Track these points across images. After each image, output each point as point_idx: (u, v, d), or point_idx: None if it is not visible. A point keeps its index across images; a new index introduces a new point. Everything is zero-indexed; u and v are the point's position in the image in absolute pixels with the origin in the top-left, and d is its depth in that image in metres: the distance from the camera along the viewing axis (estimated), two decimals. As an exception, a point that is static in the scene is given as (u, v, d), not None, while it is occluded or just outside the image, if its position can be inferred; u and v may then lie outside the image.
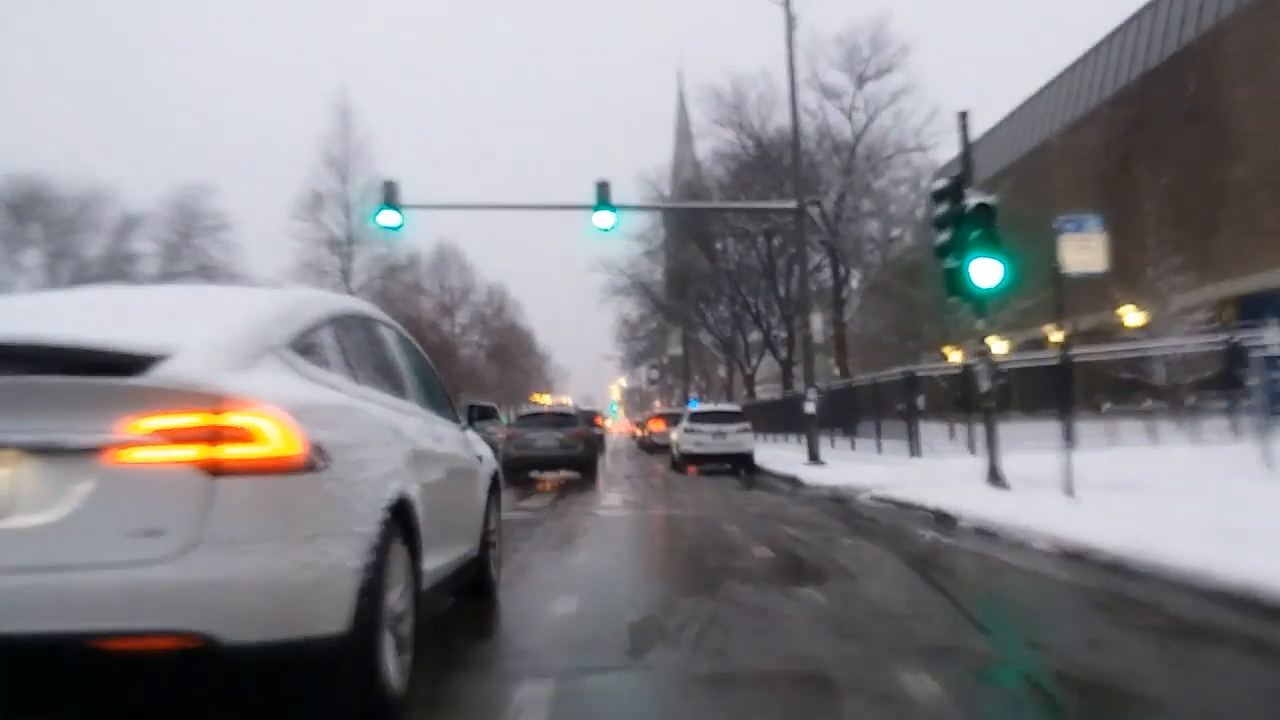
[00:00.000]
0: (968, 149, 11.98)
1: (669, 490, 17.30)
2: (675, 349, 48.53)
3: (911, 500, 11.81)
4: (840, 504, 13.42)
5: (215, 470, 2.66)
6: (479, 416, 6.62)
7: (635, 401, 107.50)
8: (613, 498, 15.60)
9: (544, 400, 60.68)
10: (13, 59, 51.55)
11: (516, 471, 18.78)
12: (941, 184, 11.93)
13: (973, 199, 11.17)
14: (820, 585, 6.47)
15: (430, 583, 4.05)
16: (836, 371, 54.52)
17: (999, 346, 25.58)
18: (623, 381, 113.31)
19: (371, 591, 3.08)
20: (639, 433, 50.02)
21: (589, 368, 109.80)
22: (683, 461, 22.43)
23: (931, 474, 15.57)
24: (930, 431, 21.11)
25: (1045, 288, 11.92)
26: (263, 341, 3.20)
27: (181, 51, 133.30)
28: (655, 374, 69.49)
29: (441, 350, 46.15)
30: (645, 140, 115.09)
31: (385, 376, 4.25)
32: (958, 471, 15.14)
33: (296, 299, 4.06)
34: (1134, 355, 19.19)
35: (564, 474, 20.23)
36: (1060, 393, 10.89)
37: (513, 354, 63.49)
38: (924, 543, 8.93)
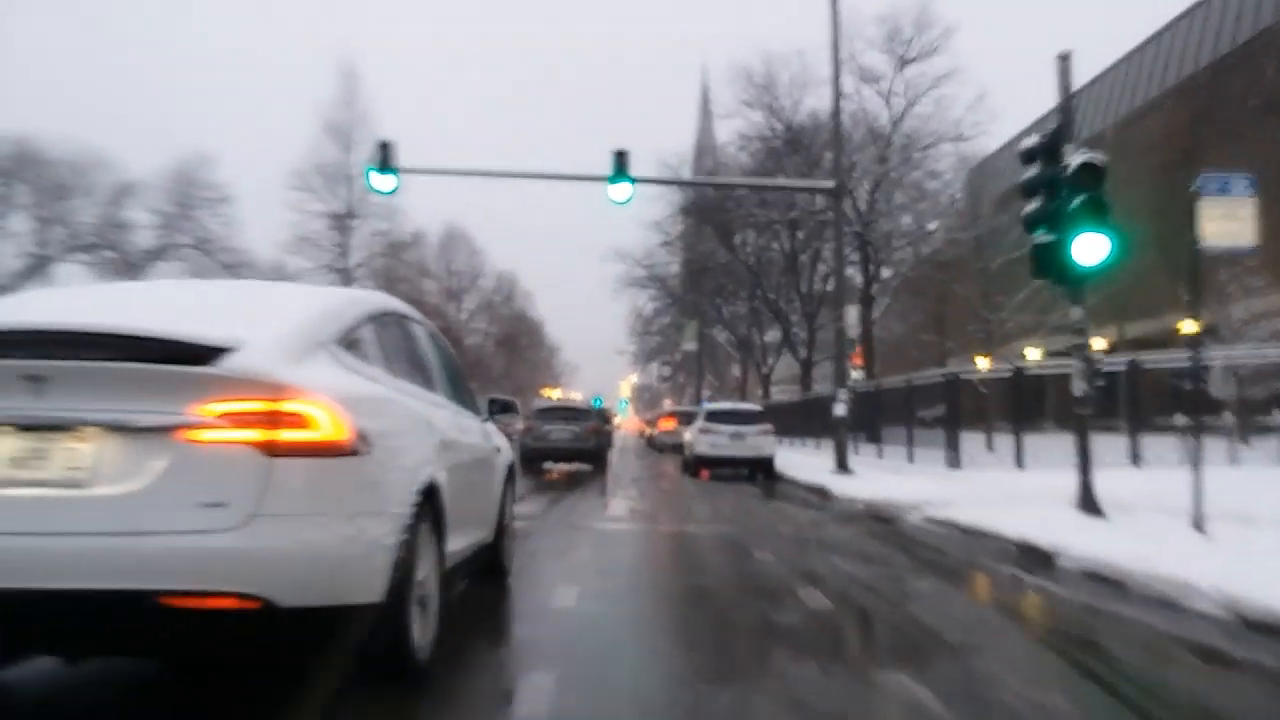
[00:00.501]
0: (1068, 99, 9.78)
1: (682, 497, 15.18)
2: (690, 344, 46.35)
3: (981, 526, 9.65)
4: (885, 524, 11.27)
5: (273, 451, 2.98)
6: (499, 410, 6.77)
7: (646, 399, 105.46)
8: (618, 505, 13.49)
9: (553, 394, 58.66)
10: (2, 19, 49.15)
11: (533, 461, 19.34)
12: (1032, 141, 9.73)
13: (1075, 158, 8.98)
14: (918, 671, 4.29)
15: (452, 563, 4.34)
16: (854, 374, 52.39)
17: (1033, 352, 23.46)
18: (634, 378, 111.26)
19: (404, 567, 3.42)
20: (648, 431, 47.92)
21: (600, 363, 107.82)
22: (695, 464, 20.30)
23: (982, 490, 13.45)
24: (965, 441, 18.93)
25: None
26: (315, 337, 3.51)
27: (180, 10, 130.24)
28: (667, 370, 67.22)
29: (446, 336, 44.46)
30: (666, 122, 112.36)
31: (417, 370, 4.56)
32: (1015, 489, 13.05)
33: (342, 298, 4.38)
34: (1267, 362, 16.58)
35: (576, 466, 20.84)
36: (1189, 401, 8.68)
37: (521, 345, 61.40)
38: (1025, 591, 6.79)
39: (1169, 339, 25.86)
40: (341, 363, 3.55)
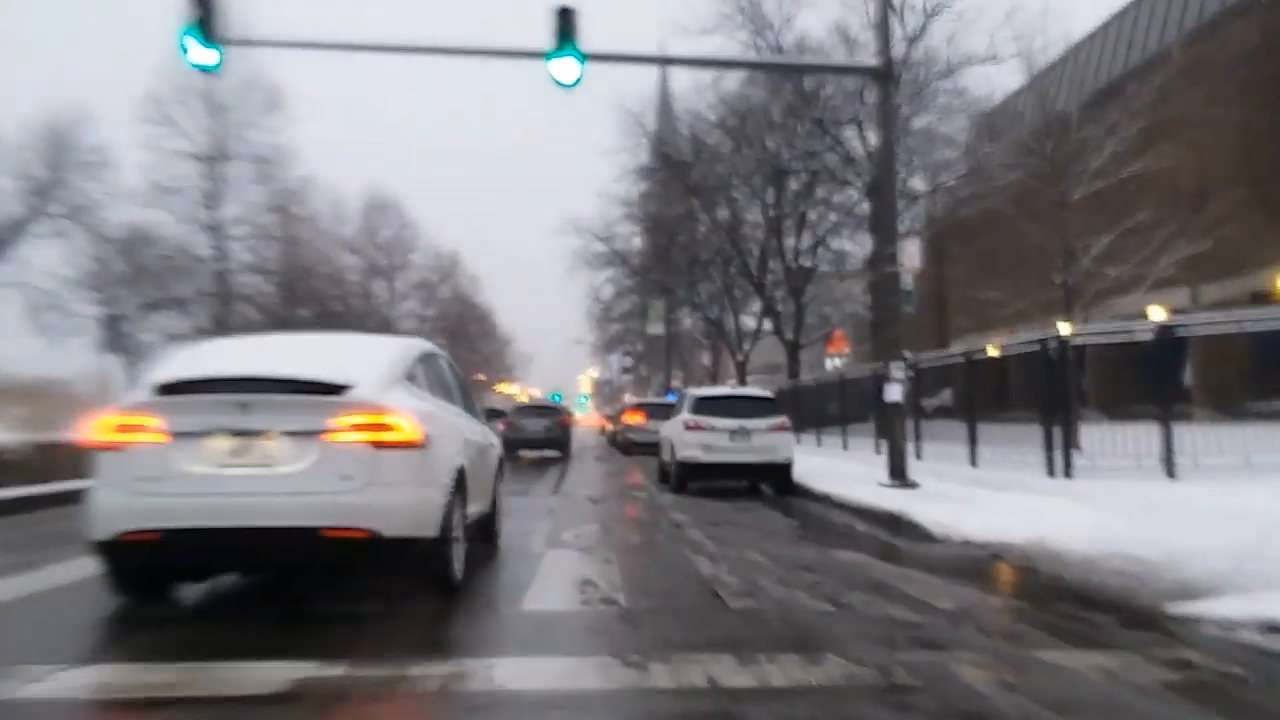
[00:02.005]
0: None
1: (671, 543, 8.87)
2: (655, 327, 40.04)
3: None
4: (1135, 628, 5.09)
5: (377, 446, 5.12)
6: (493, 416, 9.80)
7: (606, 394, 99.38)
8: (566, 565, 7.19)
9: (503, 390, 52.21)
10: None
11: (511, 449, 19.86)
12: None
13: None
14: None
15: (469, 521, 6.50)
16: (835, 361, 46.72)
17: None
18: (593, 372, 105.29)
19: (448, 517, 5.70)
20: (609, 427, 41.69)
21: (557, 357, 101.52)
22: (681, 474, 14.05)
23: (1193, 525, 7.43)
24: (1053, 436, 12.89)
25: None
26: (392, 375, 5.71)
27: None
28: (629, 361, 60.92)
29: (368, 319, 37.58)
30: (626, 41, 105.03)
31: (445, 391, 6.84)
32: (1232, 518, 7.13)
33: (403, 347, 6.51)
34: None
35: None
36: None
37: (469, 334, 54.76)
38: None
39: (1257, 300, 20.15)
40: (409, 390, 5.81)
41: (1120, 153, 16.00)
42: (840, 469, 15.18)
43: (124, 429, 5.08)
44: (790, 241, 32.54)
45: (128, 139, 28.52)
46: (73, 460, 10.75)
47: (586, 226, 39.83)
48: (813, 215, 32.47)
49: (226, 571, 5.99)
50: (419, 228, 44.75)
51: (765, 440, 13.66)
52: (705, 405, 14.08)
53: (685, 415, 14.17)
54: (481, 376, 57.11)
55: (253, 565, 5.83)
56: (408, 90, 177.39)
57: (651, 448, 26.36)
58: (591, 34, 11.86)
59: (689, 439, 13.81)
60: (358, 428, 5.10)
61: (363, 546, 5.04)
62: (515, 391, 65.22)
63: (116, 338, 37.29)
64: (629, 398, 37.98)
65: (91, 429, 5.21)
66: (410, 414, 5.37)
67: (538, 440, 24.79)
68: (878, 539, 9.15)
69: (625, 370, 63.83)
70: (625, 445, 28.02)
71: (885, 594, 6.04)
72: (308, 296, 32.37)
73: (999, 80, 24.64)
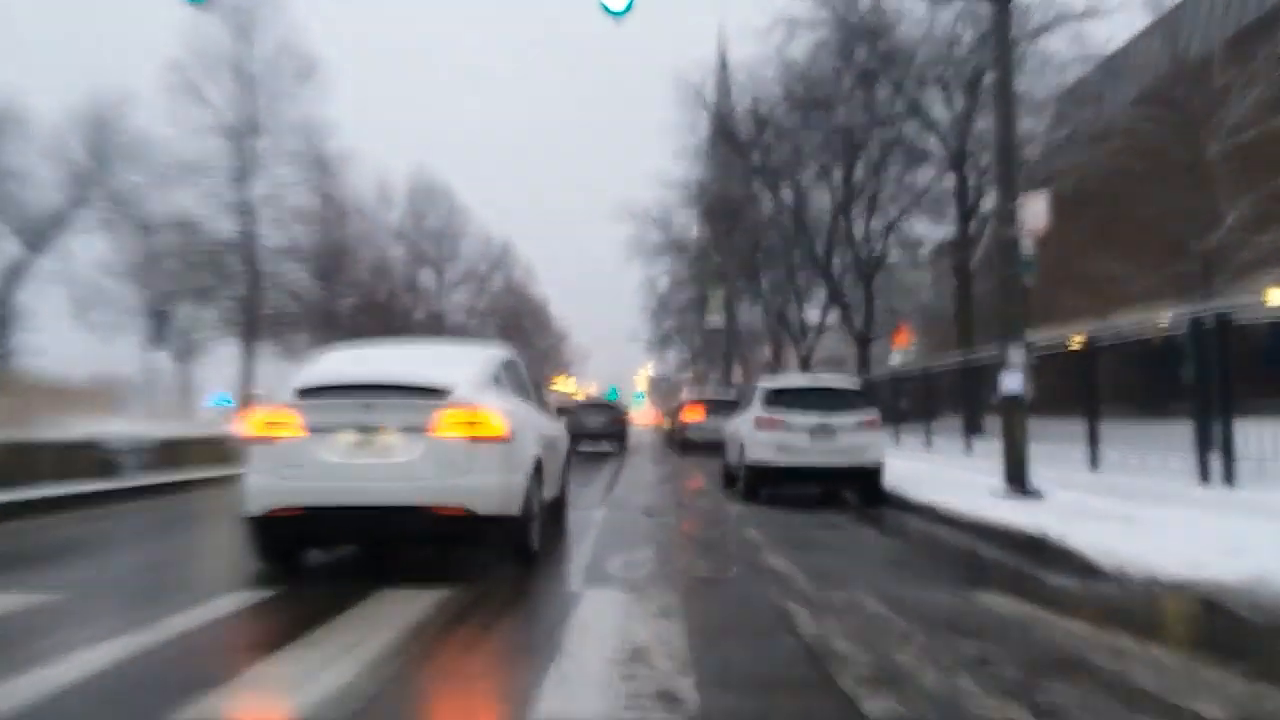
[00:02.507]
0: None
1: (750, 577, 6.71)
2: (715, 318, 37.77)
3: None
4: None
5: (474, 440, 6.06)
6: (561, 412, 10.85)
7: (663, 390, 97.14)
8: (608, 619, 5.11)
9: (560, 386, 50.48)
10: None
11: (574, 441, 20.17)
12: None
13: None
14: None
15: (545, 503, 7.52)
16: (897, 356, 44.12)
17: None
18: (649, 369, 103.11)
19: (529, 499, 6.59)
20: (666, 424, 39.66)
21: (613, 352, 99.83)
22: (752, 479, 11.89)
23: None
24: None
25: None
26: (484, 379, 6.69)
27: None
28: (686, 355, 58.65)
29: (414, 312, 35.78)
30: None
31: (523, 391, 7.81)
32: None
33: (491, 354, 7.48)
34: None
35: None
36: None
37: (523, 327, 53.02)
38: None
39: None
40: (496, 391, 6.76)
41: (1269, 100, 13.41)
42: (934, 472, 12.91)
43: (271, 425, 6.18)
44: (859, 225, 30.14)
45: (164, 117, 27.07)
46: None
47: (643, 212, 37.86)
48: (884, 196, 30.02)
49: (353, 542, 7.20)
50: (469, 214, 42.97)
51: (852, 439, 11.45)
52: (780, 399, 11.90)
53: (756, 410, 12.00)
54: (559, 380, 55.44)
55: (374, 537, 6.78)
56: (456, 77, 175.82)
57: (712, 447, 24.20)
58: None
59: (761, 439, 11.66)
60: (457, 424, 6.13)
61: (461, 522, 6.09)
62: (572, 388, 63.45)
63: (164, 331, 36.27)
64: (686, 393, 35.88)
65: (245, 425, 6.48)
66: (498, 412, 6.40)
67: (598, 434, 25.74)
68: (1023, 573, 6.90)
69: (684, 363, 61.51)
70: (683, 444, 25.90)
71: (1101, 684, 3.83)
72: (350, 284, 30.81)
73: (1120, 22, 21.76)
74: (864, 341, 30.66)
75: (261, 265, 25.52)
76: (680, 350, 65.28)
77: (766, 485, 11.82)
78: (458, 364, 6.80)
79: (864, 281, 30.60)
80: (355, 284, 31.48)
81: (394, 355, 7.49)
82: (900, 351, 54.02)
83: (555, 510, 8.69)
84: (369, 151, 50.79)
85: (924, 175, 27.00)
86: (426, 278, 39.64)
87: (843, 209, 29.72)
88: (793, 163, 29.95)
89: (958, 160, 21.33)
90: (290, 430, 6.07)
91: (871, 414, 11.70)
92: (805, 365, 38.39)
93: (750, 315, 44.54)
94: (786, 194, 30.68)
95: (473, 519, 6.03)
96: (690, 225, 41.29)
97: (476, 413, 6.16)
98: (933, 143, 23.62)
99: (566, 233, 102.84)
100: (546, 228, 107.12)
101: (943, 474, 12.61)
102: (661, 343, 62.83)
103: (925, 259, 37.51)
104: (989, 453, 13.93)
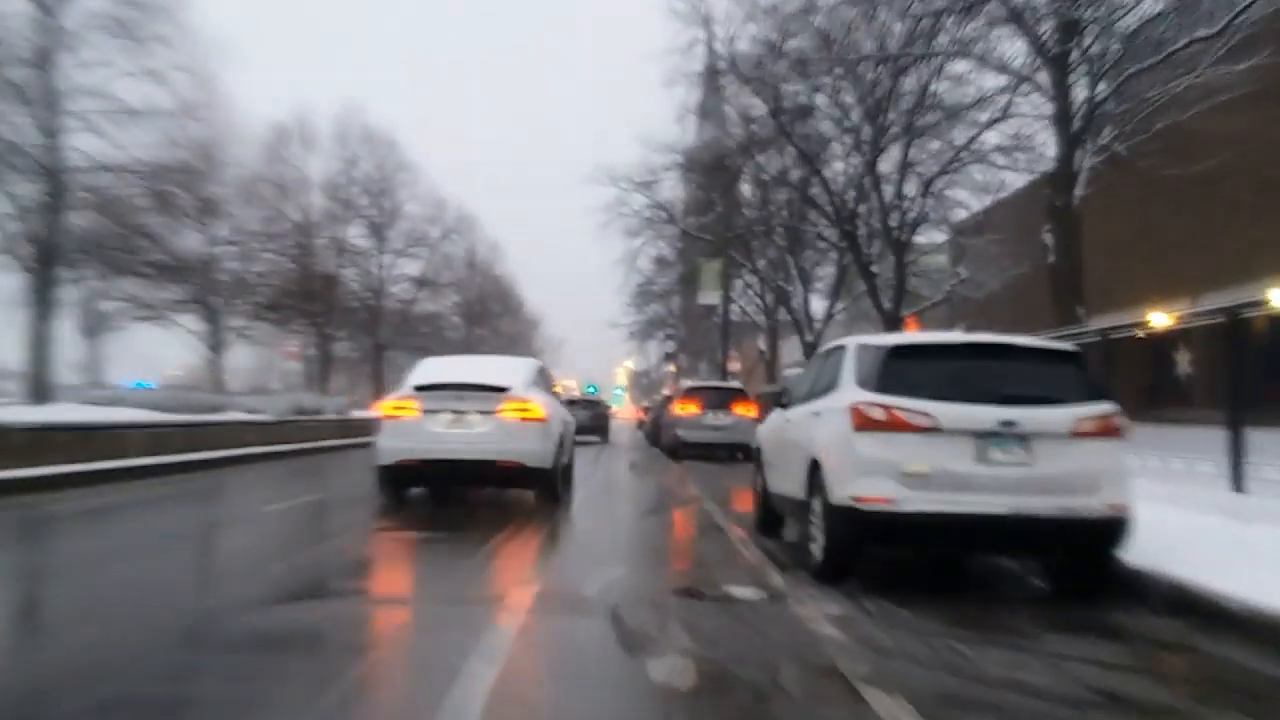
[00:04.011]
0: None
1: None
2: (709, 295, 31.55)
3: None
4: None
5: (524, 420, 9.48)
6: (567, 403, 13.28)
7: (643, 386, 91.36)
8: None
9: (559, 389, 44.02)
10: None
11: None
12: None
13: None
14: None
15: (563, 465, 10.57)
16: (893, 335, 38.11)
17: None
18: (629, 363, 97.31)
19: (557, 460, 9.97)
20: (648, 421, 33.49)
21: (590, 344, 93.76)
22: (843, 538, 5.58)
23: None
24: None
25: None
26: (529, 380, 10.08)
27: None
28: (671, 346, 52.40)
29: (337, 282, 29.30)
30: None
31: (549, 389, 11.01)
32: None
33: (531, 364, 11.33)
34: None
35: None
36: None
37: (489, 309, 46.56)
38: None
39: None
40: (536, 389, 9.99)
41: None
42: (1216, 528, 6.55)
43: (398, 408, 9.65)
44: (888, 187, 24.01)
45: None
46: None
47: (624, 176, 31.55)
48: (922, 156, 23.95)
49: (450, 483, 10.39)
50: (416, 171, 35.98)
51: (1066, 460, 5.22)
52: (912, 371, 5.58)
53: (852, 394, 5.69)
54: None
55: (462, 479, 10.02)
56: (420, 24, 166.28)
57: (712, 450, 17.92)
58: None
59: (866, 453, 5.38)
60: (514, 410, 9.51)
61: (516, 471, 9.49)
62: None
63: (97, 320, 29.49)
64: (674, 384, 29.86)
65: (380, 408, 10.26)
66: (539, 403, 9.81)
67: (584, 428, 24.52)
68: None
69: (667, 356, 55.20)
70: (673, 446, 19.59)
71: None
72: (234, 227, 24.39)
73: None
74: (894, 323, 24.48)
75: (68, 174, 18.25)
76: (662, 343, 59.42)
77: (872, 544, 5.58)
78: (511, 370, 10.46)
79: (895, 249, 24.47)
80: (241, 229, 25.15)
81: (471, 365, 11.33)
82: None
83: (566, 471, 11.22)
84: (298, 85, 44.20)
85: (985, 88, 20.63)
86: (359, 237, 32.96)
87: (869, 165, 23.54)
88: (804, 106, 23.71)
89: (1060, 56, 15.04)
90: (410, 412, 9.56)
91: (1102, 409, 5.43)
92: (811, 352, 32.35)
93: (743, 300, 38.50)
94: (801, 137, 24.30)
95: (522, 469, 9.49)
96: (678, 197, 35.05)
97: (526, 403, 9.63)
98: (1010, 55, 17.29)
99: (543, 218, 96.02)
100: (521, 211, 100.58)
101: (1240, 533, 6.28)
102: (643, 333, 56.93)
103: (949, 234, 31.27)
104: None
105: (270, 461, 16.82)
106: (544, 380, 10.91)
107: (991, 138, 22.67)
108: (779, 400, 7.89)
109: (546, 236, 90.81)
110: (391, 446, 9.43)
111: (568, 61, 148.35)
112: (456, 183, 78.65)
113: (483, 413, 9.38)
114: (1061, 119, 15.45)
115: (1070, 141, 15.29)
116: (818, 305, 33.27)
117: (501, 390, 9.50)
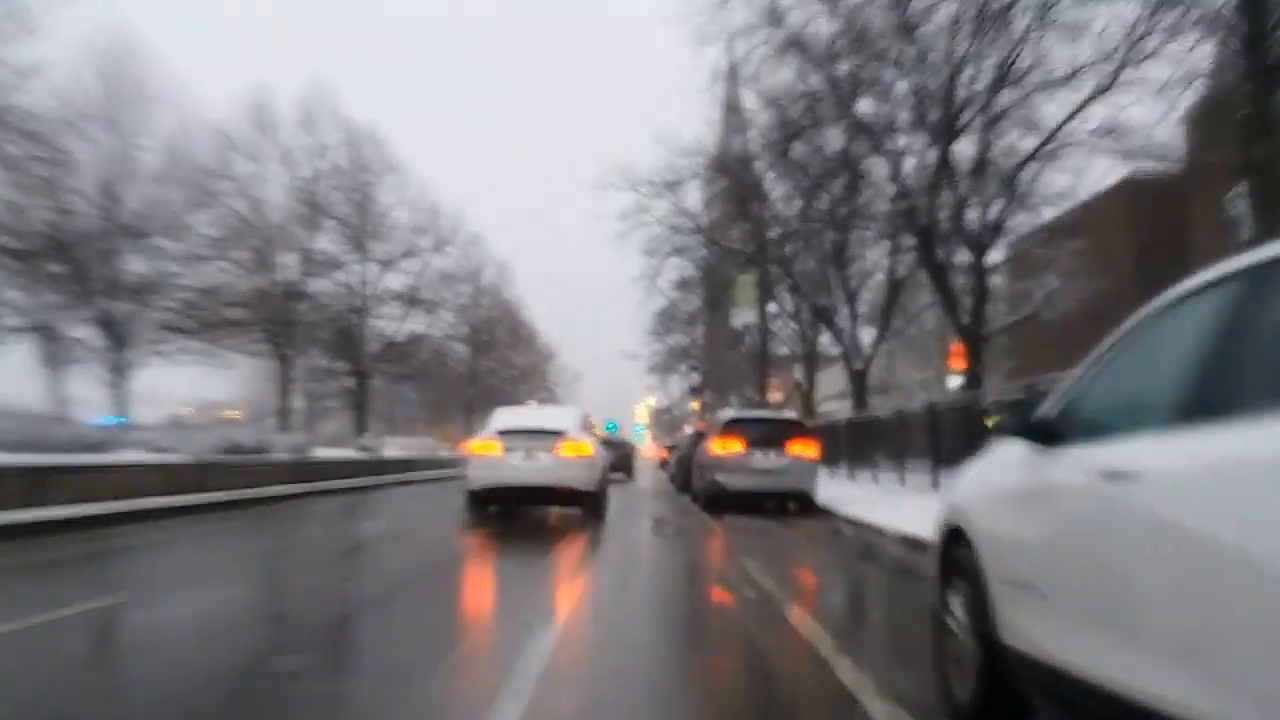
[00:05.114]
0: None
1: None
2: (744, 314, 27.01)
3: None
4: None
5: (577, 456, 12.66)
6: (603, 443, 16.28)
7: (664, 423, 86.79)
8: None
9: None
10: None
11: None
12: None
13: None
14: None
15: (605, 490, 13.76)
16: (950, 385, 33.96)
17: None
18: (650, 400, 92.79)
19: (601, 485, 13.34)
20: (672, 461, 29.05)
21: (609, 380, 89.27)
22: None
23: None
24: None
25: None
26: (579, 425, 13.54)
27: None
28: (696, 379, 47.67)
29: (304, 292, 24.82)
30: None
31: (589, 429, 14.33)
32: None
33: (578, 411, 15.06)
34: None
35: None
36: None
37: (500, 342, 42.13)
38: None
39: None
40: (583, 431, 13.36)
41: None
42: None
43: (484, 447, 12.74)
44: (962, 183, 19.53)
45: None
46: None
47: (644, 177, 27.22)
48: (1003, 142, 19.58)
49: (522, 503, 13.31)
50: (405, 173, 31.34)
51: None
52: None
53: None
54: (534, 403, 44.34)
55: (531, 500, 13.06)
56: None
57: (760, 499, 13.44)
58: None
59: None
60: (569, 448, 12.48)
61: (572, 493, 12.50)
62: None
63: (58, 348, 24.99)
64: (710, 415, 25.19)
65: (470, 447, 13.45)
66: (589, 442, 13.00)
67: (612, 466, 24.86)
68: None
69: (692, 390, 50.46)
70: (710, 495, 14.86)
71: None
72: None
73: None
74: (975, 341, 19.84)
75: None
76: (685, 376, 54.90)
77: None
78: (566, 416, 13.87)
79: (974, 253, 19.93)
80: (175, 227, 20.68)
81: (534, 413, 15.26)
82: (959, 374, 42.58)
83: (604, 494, 13.66)
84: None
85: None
86: (333, 245, 28.23)
87: (942, 153, 19.09)
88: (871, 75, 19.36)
89: None
90: (493, 450, 12.60)
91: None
92: (861, 386, 27.62)
93: (775, 325, 33.90)
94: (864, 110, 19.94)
95: (575, 492, 12.49)
96: (704, 204, 30.68)
97: (578, 443, 12.67)
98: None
99: (559, 247, 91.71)
100: (537, 243, 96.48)
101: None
102: (664, 366, 52.46)
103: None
104: None
105: (168, 521, 12.37)
106: (587, 424, 14.32)
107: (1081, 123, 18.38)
108: (1031, 425, 3.16)
109: (561, 267, 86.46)
110: (480, 475, 12.61)
111: (578, 55, 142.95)
112: (465, 205, 74.43)
113: (546, 450, 12.39)
114: (1255, 39, 10.98)
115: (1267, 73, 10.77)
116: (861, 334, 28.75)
117: (560, 433, 12.62)
